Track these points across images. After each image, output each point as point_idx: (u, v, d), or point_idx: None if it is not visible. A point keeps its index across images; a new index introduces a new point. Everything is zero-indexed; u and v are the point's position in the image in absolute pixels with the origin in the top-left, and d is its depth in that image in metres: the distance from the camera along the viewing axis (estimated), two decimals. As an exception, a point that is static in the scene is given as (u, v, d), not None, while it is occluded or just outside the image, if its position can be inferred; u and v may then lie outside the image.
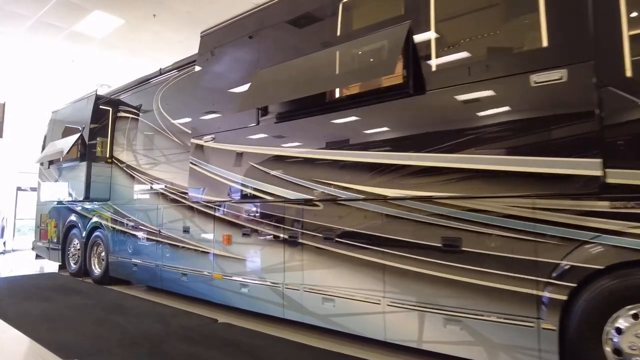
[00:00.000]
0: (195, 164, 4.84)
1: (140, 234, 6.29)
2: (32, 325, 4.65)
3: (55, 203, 8.75)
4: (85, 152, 6.97)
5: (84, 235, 7.60)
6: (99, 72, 10.58)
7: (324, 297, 3.98)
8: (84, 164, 6.96)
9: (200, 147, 4.77)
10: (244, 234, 4.75)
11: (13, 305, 5.54)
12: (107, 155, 7.14)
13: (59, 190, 7.80)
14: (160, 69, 6.50)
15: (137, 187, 6.51)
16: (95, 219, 7.36)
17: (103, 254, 7.29)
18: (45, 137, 9.49)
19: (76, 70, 10.53)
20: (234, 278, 4.81)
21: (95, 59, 9.99)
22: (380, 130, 3.49)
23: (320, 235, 4.03)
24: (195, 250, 5.35)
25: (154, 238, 6.02)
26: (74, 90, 9.97)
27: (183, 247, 5.55)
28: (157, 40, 9.19)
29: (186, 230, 5.51)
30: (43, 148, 9.51)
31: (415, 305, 3.37)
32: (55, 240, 8.67)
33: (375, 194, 3.37)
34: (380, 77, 3.32)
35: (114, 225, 6.87)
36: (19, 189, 13.13)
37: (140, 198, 6.40)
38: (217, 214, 5.07)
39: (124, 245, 6.66)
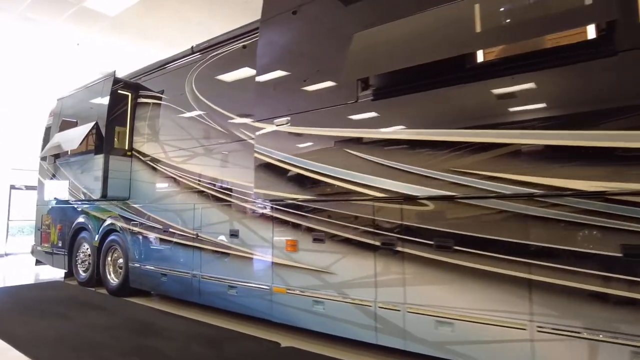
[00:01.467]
0: (262, 154, 3.92)
1: (170, 239, 5.37)
2: (51, 354, 3.72)
3: (60, 203, 7.75)
4: (102, 143, 6.00)
5: (96, 239, 6.62)
6: (105, 57, 9.53)
7: (438, 319, 3.15)
8: (99, 158, 5.99)
9: (269, 133, 3.86)
10: (316, 239, 3.88)
11: (22, 326, 4.57)
12: (127, 148, 6.19)
13: (67, 188, 6.80)
14: (193, 46, 5.58)
15: (165, 183, 5.58)
16: (110, 220, 6.40)
17: (121, 260, 6.33)
18: (47, 128, 8.46)
19: (80, 55, 9.48)
20: (302, 293, 3.94)
21: (103, 42, 8.97)
22: (564, 102, 2.66)
23: (431, 242, 3.19)
24: (248, 258, 4.46)
25: (190, 243, 5.10)
26: (76, 78, 8.96)
27: (230, 254, 4.65)
28: (174, 20, 8.22)
29: (234, 234, 4.61)
30: (45, 141, 8.48)
31: (583, 333, 2.57)
32: (59, 245, 7.66)
33: (563, 187, 2.54)
34: (589, 24, 2.49)
35: (135, 228, 5.92)
36: (12, 187, 11.98)
37: (171, 196, 5.47)
38: (277, 215, 4.19)
39: (148, 251, 5.72)
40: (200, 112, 5.17)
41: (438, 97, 3.02)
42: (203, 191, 5.01)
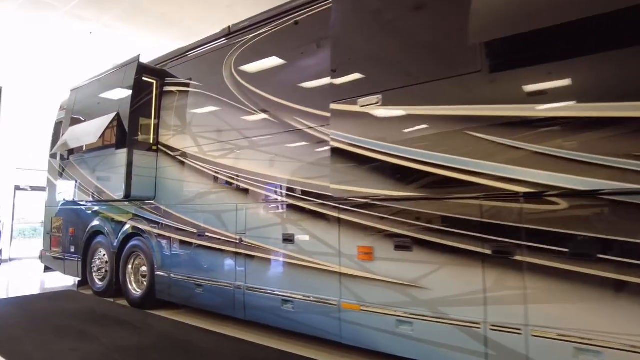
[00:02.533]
0: (341, 142, 3.22)
1: (206, 244, 4.69)
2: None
3: (73, 204, 7.07)
4: (124, 136, 5.33)
5: (115, 244, 5.94)
6: (120, 47, 8.88)
7: (578, 346, 2.49)
8: (121, 153, 5.32)
9: (350, 116, 3.18)
10: (399, 247, 3.22)
11: (41, 349, 3.88)
12: (152, 142, 5.52)
13: (81, 188, 6.13)
14: (230, 26, 4.93)
15: (199, 181, 4.91)
16: (132, 223, 5.72)
17: (144, 268, 5.65)
18: (58, 123, 7.79)
19: (93, 45, 8.84)
20: (383, 311, 3.27)
21: (118, 31, 8.33)
22: None
23: (565, 249, 2.54)
24: (307, 267, 3.79)
25: (232, 250, 4.43)
26: (88, 72, 8.31)
27: (284, 263, 3.99)
28: (199, 3, 7.59)
29: (288, 240, 3.94)
30: (55, 137, 7.81)
31: None
32: (72, 250, 6.97)
33: None
34: None
35: (162, 232, 5.24)
36: (17, 188, 11.27)
37: (206, 196, 4.80)
38: (345, 217, 3.53)
39: (179, 258, 5.04)
40: (243, 100, 4.51)
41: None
42: (248, 189, 4.35)
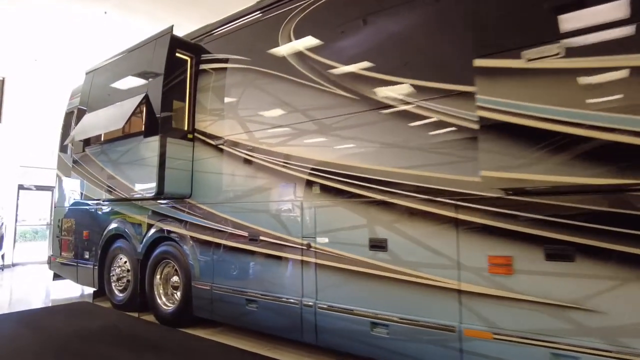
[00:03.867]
0: (501, 110, 2.32)
1: (261, 250, 3.85)
2: None
3: (87, 203, 6.22)
4: (154, 122, 4.49)
5: (140, 249, 5.09)
6: (136, 30, 8.03)
7: None
8: (152, 142, 4.47)
9: (511, 74, 2.31)
10: (554, 256, 2.39)
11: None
12: (187, 128, 4.68)
13: (99, 184, 5.27)
14: (285, -12, 4.12)
15: (251, 174, 4.07)
16: (161, 225, 4.87)
17: (176, 279, 4.80)
18: (68, 113, 6.96)
19: (105, 28, 7.99)
20: (531, 341, 2.44)
21: (135, 11, 7.48)
22: None
23: None
24: (407, 282, 2.95)
25: (297, 257, 3.59)
26: (98, 59, 7.49)
27: (372, 275, 3.14)
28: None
29: (378, 246, 3.10)
30: (65, 129, 6.98)
31: None
32: (86, 256, 6.12)
33: None
34: None
35: (201, 236, 4.39)
36: (20, 187, 10.39)
37: (261, 192, 3.96)
38: (467, 217, 2.70)
39: (224, 267, 4.19)
40: (309, 74, 3.68)
41: None
42: (317, 183, 3.51)
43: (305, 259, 3.54)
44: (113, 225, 5.66)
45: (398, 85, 3.13)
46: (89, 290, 6.82)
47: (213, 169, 4.43)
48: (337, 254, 3.33)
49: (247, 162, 4.09)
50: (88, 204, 6.17)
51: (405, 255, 2.99)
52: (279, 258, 3.71)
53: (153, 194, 4.35)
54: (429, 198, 2.90)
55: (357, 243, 3.24)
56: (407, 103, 3.06)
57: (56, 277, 6.97)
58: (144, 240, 5.07)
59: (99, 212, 5.97)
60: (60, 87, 9.81)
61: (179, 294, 4.80)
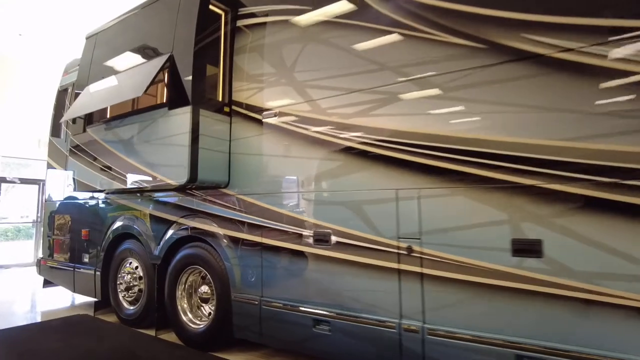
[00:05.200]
0: None
1: (334, 254, 2.92)
2: None
3: (86, 195, 5.20)
4: (182, 91, 3.50)
5: (157, 252, 4.10)
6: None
7: None
8: (181, 115, 3.47)
9: None
10: None
11: None
12: (221, 100, 3.70)
13: (108, 171, 4.25)
14: None
15: (314, 156, 3.10)
16: (186, 222, 3.88)
17: (205, 289, 3.83)
18: (61, 90, 5.92)
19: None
20: None
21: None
22: None
23: None
24: (582, 302, 2.07)
25: (390, 265, 2.67)
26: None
27: (519, 291, 2.24)
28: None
29: (528, 250, 2.20)
30: (58, 109, 5.92)
31: None
32: (85, 260, 5.09)
33: None
34: None
35: (244, 235, 3.43)
36: (2, 180, 9.17)
37: (331, 179, 3.00)
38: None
39: (279, 276, 3.24)
40: (407, 21, 2.75)
41: None
42: (422, 165, 2.59)
43: (404, 267, 2.62)
44: (120, 223, 4.64)
45: (546, 26, 2.24)
46: (83, 298, 5.79)
47: (259, 150, 3.46)
48: (458, 262, 2.42)
49: (310, 139, 3.14)
50: (88, 197, 5.14)
51: (573, 263, 2.10)
52: (363, 265, 2.78)
53: (184, 181, 3.35)
54: (614, 181, 2.01)
55: (490, 246, 2.33)
56: (567, 49, 2.17)
57: (47, 283, 5.90)
58: (163, 240, 4.08)
59: (103, 207, 4.94)
60: (50, 65, 8.69)
61: (209, 308, 3.83)
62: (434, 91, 2.61)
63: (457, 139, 2.47)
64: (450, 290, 2.45)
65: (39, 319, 5.03)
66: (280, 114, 3.34)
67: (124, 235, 4.63)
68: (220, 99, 3.68)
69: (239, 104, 3.65)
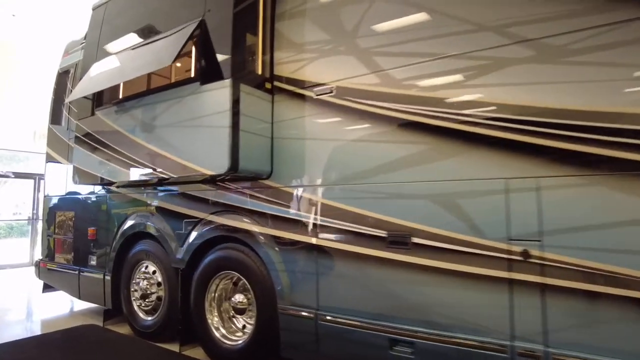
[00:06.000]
0: None
1: (419, 262, 2.35)
2: None
3: (92, 188, 4.61)
4: (214, 63, 2.91)
5: (180, 255, 3.51)
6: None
7: None
8: (218, 91, 2.85)
9: None
10: None
11: None
12: (261, 74, 3.11)
13: (122, 160, 3.65)
14: None
15: (391, 138, 2.52)
16: (215, 219, 3.31)
17: (241, 298, 3.24)
18: (63, 72, 5.30)
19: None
20: None
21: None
22: None
23: None
24: None
25: (498, 273, 2.10)
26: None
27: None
28: None
29: None
30: (58, 92, 5.32)
31: None
32: (92, 262, 4.49)
33: None
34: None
35: (292, 236, 2.86)
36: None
37: (411, 167, 2.43)
38: None
39: (340, 285, 2.66)
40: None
41: None
42: (542, 147, 2.04)
43: (517, 276, 2.07)
44: (134, 220, 4.04)
45: None
46: (82, 304, 5.19)
47: (311, 134, 2.88)
48: (601, 271, 1.88)
49: (382, 119, 2.57)
50: (96, 191, 4.53)
51: None
52: (458, 274, 2.23)
53: (224, 170, 2.76)
54: None
55: (648, 251, 1.80)
56: None
57: (47, 288, 5.29)
58: (188, 241, 3.49)
59: (113, 202, 4.34)
60: (46, 48, 8.02)
61: (245, 320, 3.26)
62: (562, 53, 2.05)
63: (597, 115, 1.92)
64: (586, 306, 1.91)
65: (38, 331, 4.43)
66: (339, 90, 2.76)
67: (139, 234, 4.03)
68: (260, 73, 3.10)
69: (283, 79, 3.07)
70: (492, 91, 2.21)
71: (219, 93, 2.85)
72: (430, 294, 2.32)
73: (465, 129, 2.25)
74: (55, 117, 5.33)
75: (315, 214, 2.79)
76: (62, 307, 5.40)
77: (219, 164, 2.79)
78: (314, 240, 2.78)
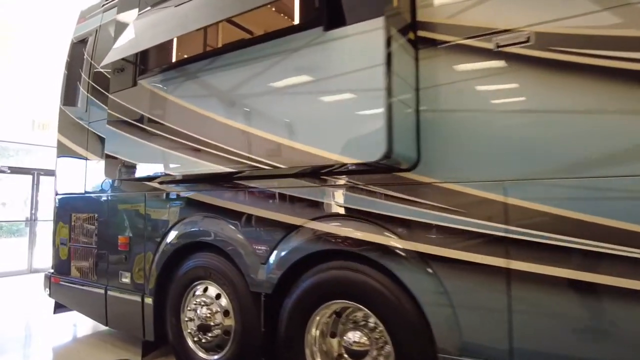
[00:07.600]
0: None
1: None
2: None
3: (125, 184, 3.62)
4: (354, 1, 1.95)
5: (263, 276, 2.53)
6: None
7: None
8: (362, 37, 1.87)
9: None
10: None
11: None
12: (403, 20, 2.17)
13: (183, 146, 2.68)
14: None
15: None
16: (317, 226, 2.36)
17: (357, 337, 2.29)
18: (78, 42, 4.31)
19: None
20: None
21: None
22: None
23: None
24: None
25: None
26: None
27: None
28: None
29: None
30: (72, 66, 4.33)
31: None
32: (124, 279, 3.49)
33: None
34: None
35: (464, 256, 1.94)
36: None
37: None
38: None
39: (553, 330, 1.76)
40: None
41: None
42: None
43: None
44: (187, 228, 3.06)
45: None
46: (99, 326, 4.18)
47: (486, 105, 1.95)
48: None
49: (621, 75, 1.66)
50: (134, 188, 3.53)
51: None
52: None
53: (378, 156, 1.80)
54: None
55: None
56: None
57: (59, 308, 4.27)
58: (276, 256, 2.54)
59: (156, 202, 3.35)
60: (48, 23, 6.93)
61: (371, 371, 2.31)
62: None
63: None
64: None
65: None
66: (540, 38, 1.83)
67: (194, 246, 3.06)
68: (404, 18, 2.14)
69: (434, 26, 2.13)
70: None
71: (366, 39, 1.88)
72: None
73: None
74: (69, 97, 4.30)
75: (506, 223, 1.86)
76: (72, 327, 4.40)
77: (371, 148, 1.82)
78: (502, 263, 1.86)
